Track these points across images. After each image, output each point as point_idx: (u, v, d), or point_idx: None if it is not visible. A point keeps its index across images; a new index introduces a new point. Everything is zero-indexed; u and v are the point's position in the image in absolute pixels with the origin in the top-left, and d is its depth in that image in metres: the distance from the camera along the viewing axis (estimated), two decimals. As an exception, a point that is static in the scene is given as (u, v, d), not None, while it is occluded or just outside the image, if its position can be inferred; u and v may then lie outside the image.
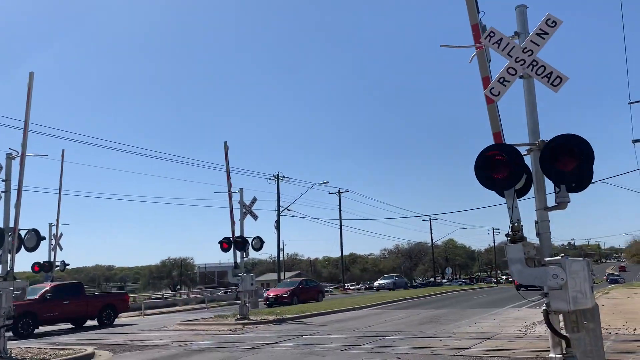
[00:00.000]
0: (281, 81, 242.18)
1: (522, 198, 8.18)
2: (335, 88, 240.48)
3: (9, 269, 14.82)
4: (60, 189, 30.69)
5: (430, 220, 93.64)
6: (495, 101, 7.87)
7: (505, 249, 7.48)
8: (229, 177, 25.25)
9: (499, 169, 7.36)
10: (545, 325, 7.27)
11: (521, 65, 7.55)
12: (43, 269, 30.50)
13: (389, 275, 77.49)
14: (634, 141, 50.61)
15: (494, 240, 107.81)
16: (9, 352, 14.72)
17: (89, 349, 15.46)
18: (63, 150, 30.28)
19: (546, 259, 7.17)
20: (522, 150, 7.61)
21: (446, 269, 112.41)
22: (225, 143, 25.51)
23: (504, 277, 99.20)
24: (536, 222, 7.61)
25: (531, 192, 7.89)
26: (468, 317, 21.43)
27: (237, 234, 24.88)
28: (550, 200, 7.57)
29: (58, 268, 31.52)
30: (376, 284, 68.32)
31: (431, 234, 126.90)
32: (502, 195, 8.06)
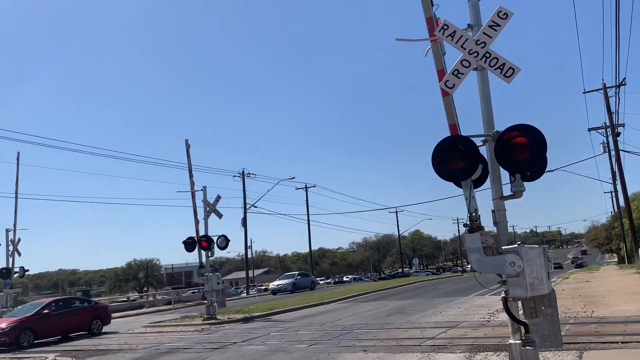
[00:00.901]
0: (245, 76, 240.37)
1: (479, 188, 8.32)
2: (300, 83, 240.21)
3: None
4: (16, 192, 29.71)
5: (396, 212, 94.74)
6: (450, 93, 7.94)
7: (463, 238, 7.58)
8: (191, 176, 24.92)
9: (455, 160, 7.44)
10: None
11: (474, 57, 7.63)
12: (1, 275, 29.54)
13: (289, 274, 57.91)
14: (590, 129, 52.05)
15: (458, 230, 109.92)
16: (-36, 364, 14.21)
17: (50, 356, 15.05)
18: (18, 153, 29.36)
19: (503, 247, 7.28)
20: (478, 141, 7.69)
21: (413, 259, 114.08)
22: (186, 141, 25.15)
23: (469, 266, 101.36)
24: (493, 211, 7.71)
25: (488, 182, 8.02)
26: (434, 306, 21.75)
27: (202, 233, 24.58)
28: (507, 190, 7.72)
29: (17, 274, 30.55)
30: (272, 285, 52.41)
31: (397, 225, 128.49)
32: (460, 187, 8.15)
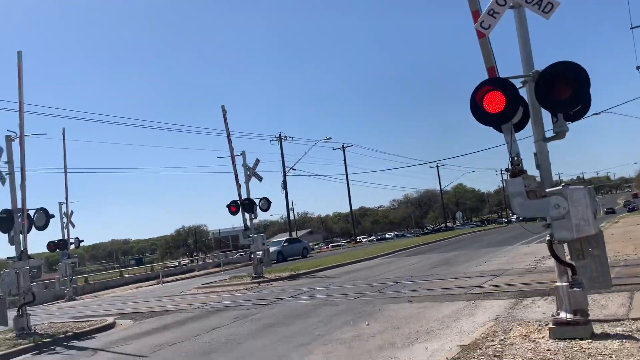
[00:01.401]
0: (277, 41, 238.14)
1: (520, 133, 8.13)
2: (332, 42, 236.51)
3: (22, 249, 15.08)
4: (65, 167, 30.77)
5: (437, 166, 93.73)
6: (486, 35, 7.70)
7: (505, 183, 7.47)
8: (230, 141, 25.23)
9: (494, 104, 7.26)
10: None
11: (510, -6, 7.35)
12: (58, 247, 31.04)
13: (276, 240, 48.32)
14: (639, 67, 49.48)
15: (502, 181, 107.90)
16: (33, 328, 15.16)
17: (110, 319, 15.86)
18: (63, 129, 30.18)
19: (547, 190, 7.16)
20: (517, 83, 7.48)
21: (457, 213, 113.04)
22: (222, 107, 25.35)
23: (514, 217, 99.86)
24: (535, 154, 7.56)
25: (529, 126, 7.82)
26: (479, 257, 21.67)
27: (245, 196, 25.06)
28: (550, 134, 7.51)
29: (73, 245, 32.05)
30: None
31: (439, 180, 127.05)
32: (500, 131, 7.99)
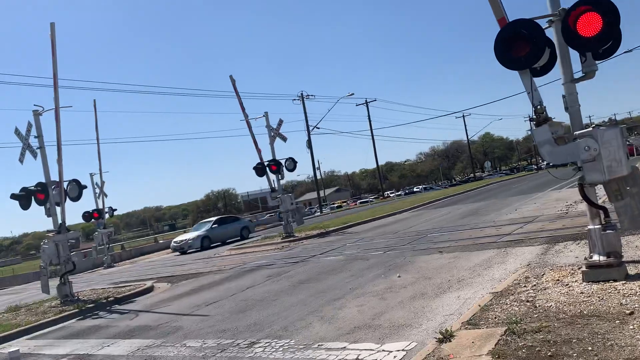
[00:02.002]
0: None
1: (547, 75, 7.88)
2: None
3: (60, 222, 15.55)
4: (97, 138, 30.72)
5: (463, 116, 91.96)
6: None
7: (532, 133, 7.30)
8: (243, 109, 25.14)
9: (520, 46, 7.03)
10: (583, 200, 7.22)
11: None
12: (93, 216, 31.88)
13: (204, 221, 36.14)
14: (672, 0, 46.94)
15: (530, 127, 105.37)
16: (76, 295, 15.79)
17: (148, 283, 16.40)
18: (94, 100, 30.05)
19: (577, 132, 6.98)
20: (543, 23, 7.21)
21: (485, 163, 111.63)
22: (230, 77, 25.07)
23: (544, 163, 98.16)
24: (564, 96, 7.35)
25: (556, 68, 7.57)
26: (509, 205, 21.50)
27: (267, 159, 25.21)
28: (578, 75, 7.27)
29: (107, 214, 32.90)
30: (174, 244, 32.67)
31: (466, 130, 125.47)
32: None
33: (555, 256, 9.37)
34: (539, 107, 7.24)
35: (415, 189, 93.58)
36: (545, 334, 5.36)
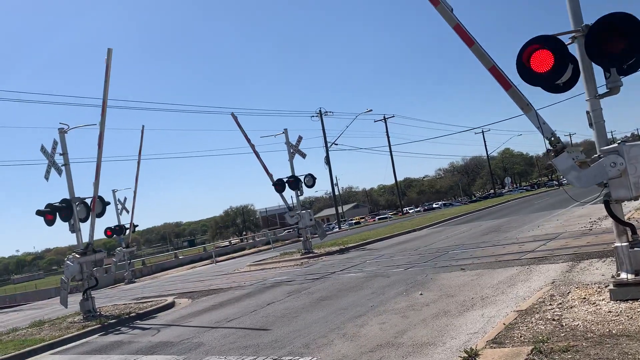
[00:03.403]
0: (315, 14, 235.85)
1: (570, 91, 7.83)
2: (370, 11, 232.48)
3: (88, 242, 15.71)
4: (139, 160, 29.20)
5: (482, 132, 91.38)
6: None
7: (553, 164, 7.23)
8: (248, 140, 25.22)
9: (541, 62, 7.01)
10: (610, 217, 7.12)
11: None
12: (115, 232, 32.26)
13: None
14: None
15: (548, 156, 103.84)
16: (98, 310, 15.93)
17: (169, 299, 16.48)
18: (143, 126, 29.39)
19: (602, 149, 6.91)
20: (565, 39, 7.19)
21: (505, 179, 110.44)
22: (232, 114, 25.24)
23: (565, 180, 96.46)
24: (588, 112, 7.29)
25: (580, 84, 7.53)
26: (531, 221, 21.23)
27: (285, 175, 25.33)
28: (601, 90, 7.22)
29: (128, 230, 33.22)
30: None
31: (485, 146, 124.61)
32: (549, 90, 7.73)
33: (581, 274, 9.21)
34: (552, 138, 7.22)
35: (434, 205, 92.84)
36: (574, 354, 5.27)
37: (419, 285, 11.11)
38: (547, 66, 6.97)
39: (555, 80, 7.32)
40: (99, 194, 16.51)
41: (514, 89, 7.53)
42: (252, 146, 25.31)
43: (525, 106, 7.43)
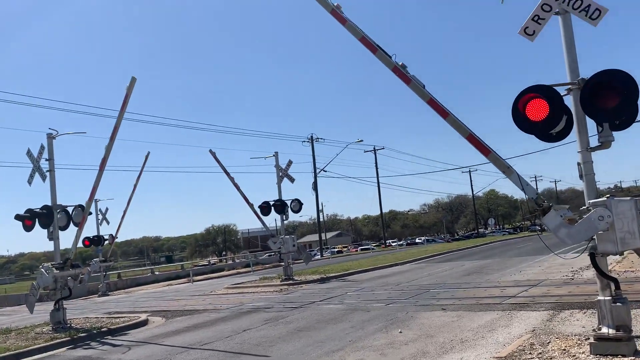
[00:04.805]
0: (307, 40, 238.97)
1: (562, 141, 7.92)
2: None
3: (67, 258, 15.36)
4: (135, 185, 29.61)
5: (469, 171, 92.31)
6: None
7: (542, 222, 7.25)
8: (228, 174, 25.28)
9: (537, 111, 7.10)
10: (593, 269, 7.12)
11: (556, 0, 7.19)
12: (93, 243, 31.74)
13: None
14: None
15: (536, 187, 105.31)
16: (68, 322, 15.51)
17: (143, 316, 16.12)
18: (148, 152, 29.13)
19: (591, 201, 6.95)
20: (561, 90, 7.30)
21: (489, 219, 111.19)
22: (210, 150, 25.20)
23: (557, 237, 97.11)
24: (579, 164, 7.35)
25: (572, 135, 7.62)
26: (513, 265, 21.26)
27: (272, 198, 25.26)
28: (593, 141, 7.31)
29: (107, 241, 32.70)
30: None
31: (471, 185, 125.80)
32: (542, 139, 7.82)
33: (562, 324, 9.18)
34: (536, 199, 7.27)
35: (417, 240, 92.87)
36: (553, 408, 5.18)
37: (399, 322, 10.99)
38: (542, 115, 7.04)
39: (549, 130, 7.41)
40: (80, 204, 16.24)
41: (494, 154, 7.68)
42: (232, 179, 25.29)
43: (507, 169, 7.56)
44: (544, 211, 7.16)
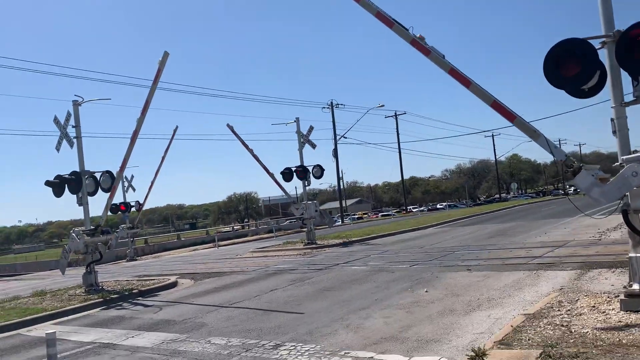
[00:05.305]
0: (329, 5, 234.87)
1: (593, 97, 7.72)
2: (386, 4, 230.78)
3: (97, 225, 15.79)
4: (163, 158, 30.29)
5: (492, 135, 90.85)
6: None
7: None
8: (246, 146, 25.46)
9: (570, 66, 6.91)
10: (621, 230, 7.04)
11: (592, -52, 6.91)
12: (120, 209, 32.34)
13: None
14: None
15: (562, 180, 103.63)
16: (100, 284, 15.99)
17: (172, 278, 16.51)
18: (176, 127, 29.56)
19: (624, 157, 6.82)
20: (596, 43, 7.09)
21: (511, 184, 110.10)
22: (228, 124, 25.48)
23: (572, 189, 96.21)
24: (612, 119, 7.20)
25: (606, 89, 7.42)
26: (538, 228, 21.12)
27: (294, 164, 25.31)
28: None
29: (133, 208, 33.31)
30: None
31: (494, 150, 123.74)
32: (574, 95, 7.62)
33: (589, 282, 9.14)
34: (566, 160, 7.12)
35: (438, 206, 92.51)
36: (583, 361, 5.22)
37: (424, 282, 11.07)
38: (574, 70, 6.87)
39: (582, 85, 7.22)
40: (108, 169, 16.51)
41: (519, 119, 7.53)
42: (251, 151, 25.34)
43: (533, 133, 7.40)
44: (575, 172, 7.04)
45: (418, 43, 8.20)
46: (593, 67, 6.99)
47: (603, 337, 5.92)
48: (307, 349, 7.04)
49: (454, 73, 8.00)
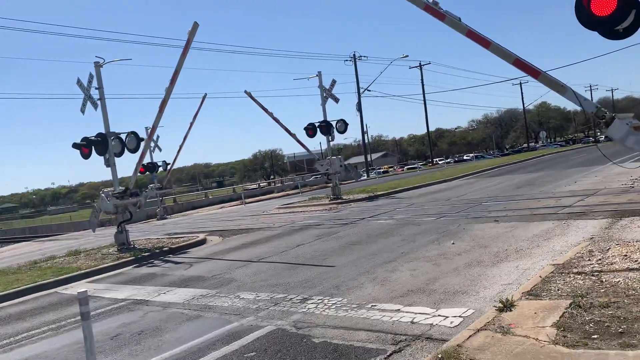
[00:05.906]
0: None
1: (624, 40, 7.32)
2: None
3: (125, 188, 16.10)
4: (192, 124, 30.68)
5: (520, 83, 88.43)
6: None
7: (608, 134, 6.88)
8: (266, 111, 25.21)
9: (604, 4, 6.54)
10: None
11: None
12: (147, 169, 32.82)
13: None
14: None
15: (591, 97, 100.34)
16: (132, 243, 16.39)
17: (201, 236, 16.82)
18: (205, 94, 29.73)
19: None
20: (631, -21, 6.65)
21: (540, 133, 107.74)
22: (246, 91, 25.34)
23: (603, 137, 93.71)
24: (648, 61, 6.83)
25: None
26: (567, 177, 20.70)
27: (317, 119, 25.09)
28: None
29: (161, 168, 33.80)
30: None
31: (522, 98, 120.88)
32: (607, 36, 7.23)
33: (621, 231, 8.95)
34: (597, 111, 6.85)
35: (465, 157, 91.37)
36: (615, 310, 5.13)
37: (451, 234, 11.01)
38: (609, 9, 6.50)
39: (616, 26, 6.83)
40: (133, 130, 16.64)
41: (544, 75, 7.26)
42: (271, 114, 25.15)
43: (560, 88, 7.14)
44: (607, 123, 6.80)
45: (431, 8, 8.02)
46: (629, 5, 6.60)
47: (635, 286, 5.80)
48: (334, 302, 7.10)
49: (472, 35, 7.77)
